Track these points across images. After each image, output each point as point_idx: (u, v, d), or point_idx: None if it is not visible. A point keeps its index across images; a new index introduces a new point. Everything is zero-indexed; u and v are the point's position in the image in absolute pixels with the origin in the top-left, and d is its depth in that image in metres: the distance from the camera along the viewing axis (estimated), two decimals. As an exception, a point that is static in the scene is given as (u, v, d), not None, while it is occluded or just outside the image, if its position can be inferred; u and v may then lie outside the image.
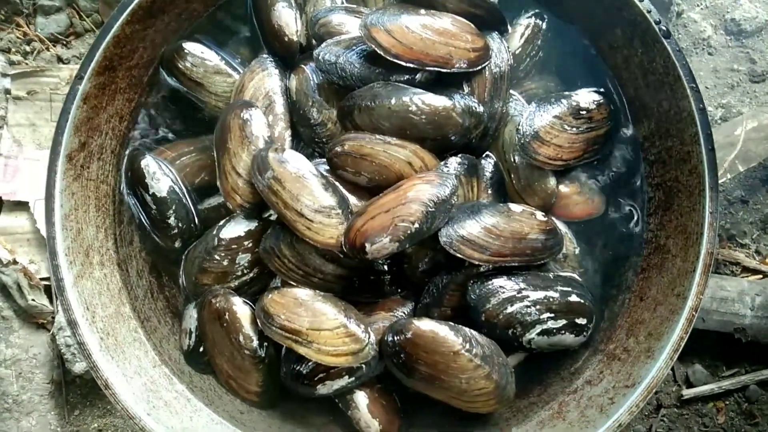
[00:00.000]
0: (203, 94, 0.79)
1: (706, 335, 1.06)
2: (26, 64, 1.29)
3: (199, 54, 0.79)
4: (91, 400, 1.18)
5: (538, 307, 0.70)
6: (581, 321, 0.71)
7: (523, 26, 0.80)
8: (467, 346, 0.66)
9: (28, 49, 1.32)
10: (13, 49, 1.31)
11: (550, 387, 0.73)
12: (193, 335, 0.73)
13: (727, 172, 1.11)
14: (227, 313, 0.71)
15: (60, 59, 1.31)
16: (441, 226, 0.68)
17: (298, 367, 0.70)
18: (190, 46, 0.79)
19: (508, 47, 0.77)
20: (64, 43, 1.33)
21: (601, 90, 0.78)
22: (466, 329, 0.67)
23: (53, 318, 1.16)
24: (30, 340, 1.18)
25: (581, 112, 0.75)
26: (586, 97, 0.76)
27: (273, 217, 0.72)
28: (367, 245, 0.66)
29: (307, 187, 0.69)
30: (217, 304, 0.71)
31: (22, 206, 1.20)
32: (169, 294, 0.75)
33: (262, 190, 0.69)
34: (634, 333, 0.70)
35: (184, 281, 0.75)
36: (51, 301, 1.17)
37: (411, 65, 0.70)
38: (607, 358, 0.71)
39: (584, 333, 0.72)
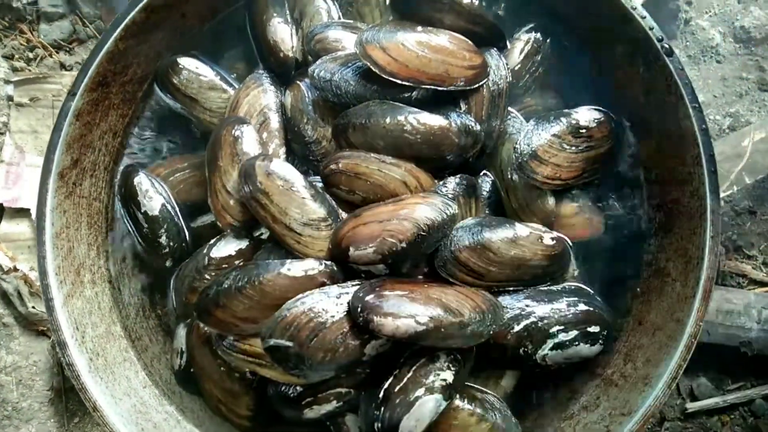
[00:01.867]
0: (198, 110, 0.78)
1: (711, 348, 1.04)
2: (29, 70, 1.29)
3: (194, 69, 0.78)
4: (92, 407, 1.18)
5: (545, 321, 0.68)
6: (594, 329, 0.69)
7: (523, 41, 0.79)
8: (463, 402, 0.66)
9: (31, 55, 1.32)
10: (17, 56, 1.31)
11: (546, 412, 0.71)
12: (184, 355, 0.72)
13: (734, 184, 1.09)
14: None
15: (63, 66, 1.31)
16: (429, 251, 0.67)
17: (285, 390, 0.69)
18: (184, 62, 0.78)
19: (507, 63, 0.76)
20: (67, 49, 1.33)
21: (602, 108, 0.76)
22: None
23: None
24: (30, 348, 1.19)
25: (581, 131, 0.73)
26: (586, 115, 0.74)
27: (264, 236, 0.71)
28: (351, 249, 0.65)
29: (295, 200, 0.68)
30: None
31: (23, 213, 1.20)
32: (161, 312, 0.74)
33: (249, 203, 0.68)
34: (632, 358, 0.68)
35: (174, 300, 0.74)
36: (51, 309, 1.17)
37: (407, 83, 0.69)
38: (605, 384, 0.69)
39: (600, 341, 0.70)
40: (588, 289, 0.73)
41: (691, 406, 1.09)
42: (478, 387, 0.69)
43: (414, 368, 0.64)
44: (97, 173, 0.75)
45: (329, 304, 0.64)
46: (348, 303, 0.64)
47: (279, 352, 0.62)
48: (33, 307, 1.17)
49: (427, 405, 0.62)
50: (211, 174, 0.73)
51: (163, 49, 0.77)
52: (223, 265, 0.71)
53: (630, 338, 0.71)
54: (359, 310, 0.62)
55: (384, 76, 0.68)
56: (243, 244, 0.71)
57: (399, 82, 0.68)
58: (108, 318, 0.72)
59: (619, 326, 0.72)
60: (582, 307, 0.70)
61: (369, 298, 0.62)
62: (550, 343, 0.68)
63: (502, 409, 0.67)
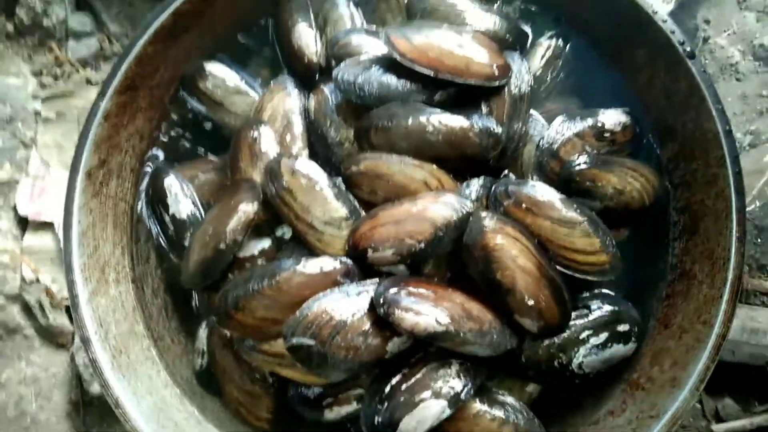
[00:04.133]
0: (223, 113, 0.79)
1: (736, 368, 1.02)
2: (56, 86, 1.32)
3: (220, 74, 0.79)
4: (108, 422, 1.17)
5: (572, 328, 0.67)
6: (624, 328, 0.68)
7: (544, 47, 0.79)
8: (484, 406, 0.65)
9: (58, 72, 1.35)
10: (45, 72, 1.34)
11: (571, 418, 0.70)
12: (205, 356, 0.72)
13: (756, 199, 1.08)
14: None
15: (89, 81, 1.34)
16: (447, 250, 0.67)
17: (305, 392, 0.69)
18: (211, 67, 0.79)
19: (529, 68, 0.76)
20: (94, 66, 1.36)
21: (629, 111, 0.76)
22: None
23: (73, 338, 1.17)
24: (50, 360, 1.19)
25: (605, 134, 0.73)
26: (613, 118, 0.74)
27: (287, 236, 0.71)
28: (369, 251, 0.65)
29: (318, 198, 0.68)
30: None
31: (47, 226, 1.22)
32: (184, 313, 0.74)
33: (273, 200, 0.69)
34: (658, 362, 0.67)
35: (197, 301, 0.74)
36: (71, 321, 1.18)
37: (426, 71, 0.68)
38: (630, 388, 0.68)
39: (633, 338, 0.69)
40: (609, 291, 0.72)
41: (717, 428, 1.06)
42: (502, 392, 0.68)
43: (424, 370, 0.64)
44: (123, 174, 0.76)
45: (349, 302, 0.64)
46: (370, 298, 0.64)
47: (301, 350, 0.62)
48: (54, 320, 1.17)
49: (431, 409, 0.61)
50: (234, 177, 0.75)
51: (190, 54, 0.79)
52: (246, 265, 0.71)
53: (656, 342, 0.70)
54: (381, 302, 0.61)
55: (404, 63, 0.68)
56: (266, 243, 0.71)
57: (418, 69, 0.68)
58: (131, 317, 0.72)
59: (644, 330, 0.71)
60: (608, 308, 0.69)
61: (392, 291, 0.62)
62: (582, 349, 0.67)
63: (524, 411, 0.66)
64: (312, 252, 0.69)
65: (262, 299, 0.65)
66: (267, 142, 0.74)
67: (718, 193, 0.68)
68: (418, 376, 0.63)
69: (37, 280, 1.18)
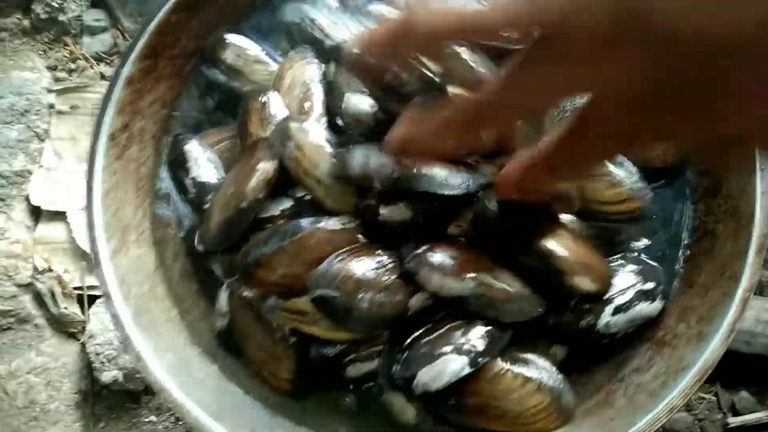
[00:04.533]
0: (243, 82, 0.80)
1: (751, 360, 1.01)
2: (71, 80, 1.34)
3: (240, 44, 0.80)
4: (117, 413, 1.17)
5: None
6: (649, 286, 0.67)
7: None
8: (507, 365, 0.64)
9: (73, 66, 1.37)
10: (59, 67, 1.36)
11: (595, 378, 0.69)
12: (226, 318, 0.72)
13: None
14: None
15: (103, 76, 1.36)
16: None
17: (326, 351, 0.68)
18: (231, 38, 0.80)
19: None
20: (108, 61, 1.38)
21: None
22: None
23: (84, 328, 1.17)
24: (60, 350, 1.19)
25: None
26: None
27: (307, 197, 0.71)
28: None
29: (324, 155, 0.68)
30: (249, 291, 0.70)
31: (59, 216, 1.23)
32: (204, 277, 0.74)
33: (284, 158, 0.69)
34: (684, 319, 0.66)
35: (218, 263, 0.74)
36: (83, 311, 1.18)
37: None
38: (656, 345, 0.67)
39: (659, 297, 0.68)
40: (633, 252, 0.71)
41: (733, 420, 1.05)
42: (526, 352, 0.67)
43: (447, 327, 0.63)
44: (145, 140, 0.76)
45: (373, 258, 0.64)
46: (395, 255, 0.64)
47: (326, 303, 0.62)
48: (65, 308, 1.17)
49: (451, 364, 0.61)
50: (243, 143, 0.76)
51: (211, 25, 0.80)
52: (267, 226, 0.71)
53: (680, 301, 0.69)
54: (408, 260, 0.62)
55: None
56: (287, 203, 0.71)
57: None
58: (152, 278, 0.72)
59: (668, 290, 0.70)
60: (631, 267, 0.68)
61: (420, 250, 0.62)
62: (608, 309, 0.66)
63: (549, 369, 0.65)
64: (320, 207, 0.69)
65: (283, 256, 0.65)
66: (276, 105, 0.75)
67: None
68: (441, 331, 0.63)
69: (50, 269, 1.19)
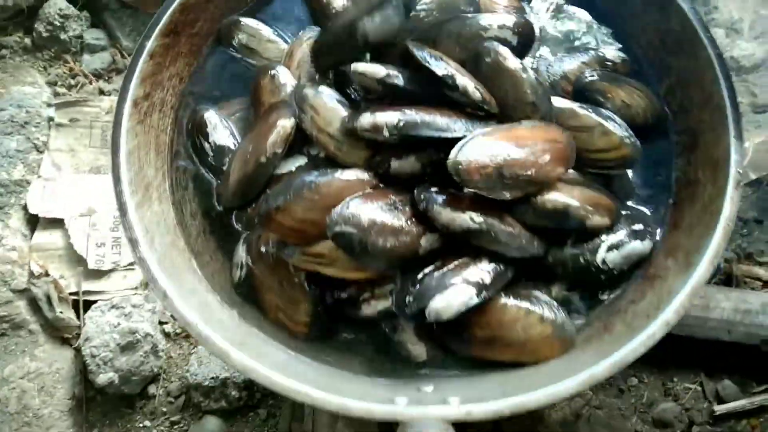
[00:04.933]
0: (256, 59, 0.86)
1: (733, 349, 1.06)
2: (70, 95, 1.38)
3: (254, 26, 0.87)
4: (111, 418, 1.16)
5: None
6: (639, 227, 0.73)
7: (548, 2, 0.88)
8: (511, 299, 0.69)
9: (72, 82, 1.42)
10: (59, 83, 1.40)
11: (593, 312, 0.74)
12: (244, 268, 0.75)
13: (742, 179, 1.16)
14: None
15: (101, 92, 1.40)
16: None
17: (342, 294, 0.72)
18: (246, 20, 0.88)
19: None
20: (106, 78, 1.43)
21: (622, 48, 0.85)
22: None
23: (78, 333, 1.17)
24: (54, 355, 1.18)
25: (607, 63, 0.81)
26: (612, 52, 0.83)
27: (322, 155, 0.76)
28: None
29: (337, 113, 0.74)
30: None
31: (57, 223, 1.24)
32: (220, 235, 0.78)
33: (300, 117, 0.75)
34: (672, 255, 0.72)
35: (236, 219, 0.78)
36: (78, 316, 1.18)
37: None
38: (649, 279, 0.72)
39: (648, 237, 0.74)
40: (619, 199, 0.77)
41: (719, 408, 1.08)
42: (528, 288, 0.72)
43: (457, 262, 0.68)
44: (164, 110, 0.81)
45: (386, 201, 0.68)
46: (407, 197, 0.69)
47: (344, 238, 0.66)
48: (60, 313, 1.17)
49: (460, 294, 0.65)
50: (257, 111, 0.82)
51: (227, 10, 0.87)
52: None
53: (668, 241, 0.75)
54: (422, 198, 0.67)
55: None
56: (302, 161, 0.77)
57: None
58: (173, 232, 0.76)
59: (655, 231, 0.76)
60: (621, 211, 0.74)
61: (432, 190, 0.67)
62: (603, 246, 0.71)
63: (549, 302, 0.70)
64: (334, 162, 0.74)
65: (302, 201, 0.69)
66: (284, 75, 0.81)
67: (713, 109, 0.74)
68: (451, 266, 0.67)
69: (46, 273, 1.19)
